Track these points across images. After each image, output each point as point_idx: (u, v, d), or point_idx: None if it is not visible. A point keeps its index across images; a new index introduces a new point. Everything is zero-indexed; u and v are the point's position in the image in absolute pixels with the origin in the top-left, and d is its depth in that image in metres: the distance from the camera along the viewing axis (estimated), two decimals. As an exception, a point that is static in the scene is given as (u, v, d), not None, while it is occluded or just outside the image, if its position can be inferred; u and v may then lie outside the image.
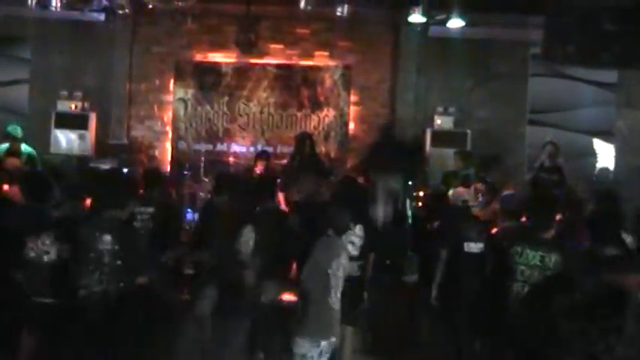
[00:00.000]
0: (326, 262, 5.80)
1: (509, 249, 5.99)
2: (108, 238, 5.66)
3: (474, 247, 6.92)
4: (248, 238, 6.46)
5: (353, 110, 12.56)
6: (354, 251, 6.57)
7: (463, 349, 6.93)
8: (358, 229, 6.69)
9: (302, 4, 10.99)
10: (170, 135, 12.57)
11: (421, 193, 10.72)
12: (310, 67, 12.53)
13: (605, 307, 4.38)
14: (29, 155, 10.03)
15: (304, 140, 10.63)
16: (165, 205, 7.84)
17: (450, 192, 8.34)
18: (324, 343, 5.73)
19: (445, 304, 7.04)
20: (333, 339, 5.85)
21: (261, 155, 10.94)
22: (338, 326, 5.95)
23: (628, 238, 6.41)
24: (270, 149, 12.03)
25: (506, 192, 8.43)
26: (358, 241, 6.68)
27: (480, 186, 8.49)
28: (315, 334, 5.73)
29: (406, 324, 8.13)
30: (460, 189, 8.18)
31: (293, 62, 12.51)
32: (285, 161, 11.23)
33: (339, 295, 5.84)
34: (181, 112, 12.52)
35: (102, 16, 11.98)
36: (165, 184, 8.62)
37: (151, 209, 7.37)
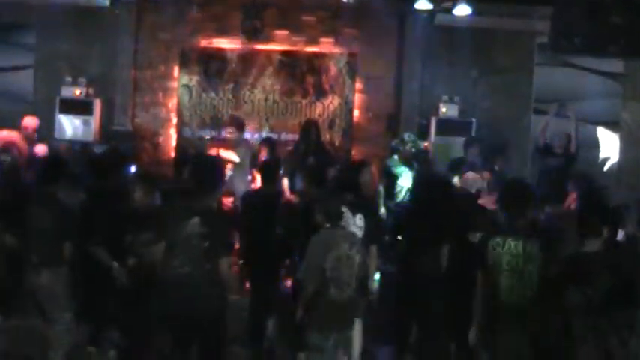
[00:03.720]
0: (321, 256, 5.72)
1: (488, 241, 5.73)
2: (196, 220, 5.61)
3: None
4: None
5: (358, 98, 12.49)
6: None
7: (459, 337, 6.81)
8: (358, 219, 6.57)
9: (308, -9, 10.98)
10: (174, 122, 12.54)
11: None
12: (315, 55, 12.46)
13: (618, 302, 4.37)
14: None
15: (310, 127, 10.61)
16: None
17: (466, 176, 8.17)
18: (335, 336, 5.71)
19: (454, 293, 6.96)
20: (349, 332, 5.82)
21: (266, 142, 10.88)
22: (352, 318, 5.90)
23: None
24: (274, 136, 12.01)
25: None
26: (358, 232, 6.52)
27: (486, 175, 8.46)
28: (322, 327, 5.72)
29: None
30: (470, 174, 8.06)
31: (298, 49, 12.44)
32: (289, 148, 11.22)
33: (344, 287, 5.76)
34: (186, 98, 12.47)
35: (107, 2, 11.93)
36: None
37: None
